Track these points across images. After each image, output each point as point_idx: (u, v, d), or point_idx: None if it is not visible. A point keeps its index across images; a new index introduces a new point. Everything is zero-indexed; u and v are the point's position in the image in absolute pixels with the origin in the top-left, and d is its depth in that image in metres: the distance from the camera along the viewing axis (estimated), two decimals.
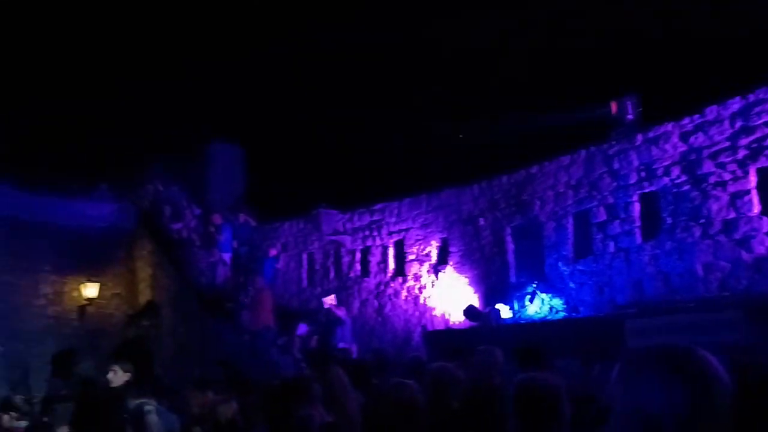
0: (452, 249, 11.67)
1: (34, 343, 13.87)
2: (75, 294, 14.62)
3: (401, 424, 3.20)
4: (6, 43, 16.50)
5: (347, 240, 13.47)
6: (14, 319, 13.65)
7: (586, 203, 9.83)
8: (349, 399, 3.33)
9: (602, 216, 9.57)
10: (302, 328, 12.22)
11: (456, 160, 14.04)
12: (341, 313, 11.93)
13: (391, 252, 12.70)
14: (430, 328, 11.47)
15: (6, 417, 5.71)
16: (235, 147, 17.17)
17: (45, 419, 6.59)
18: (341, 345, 11.32)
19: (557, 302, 9.85)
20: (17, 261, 13.88)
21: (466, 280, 11.28)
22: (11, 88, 16.40)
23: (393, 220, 12.76)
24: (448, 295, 11.44)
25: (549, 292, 9.99)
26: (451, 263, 11.61)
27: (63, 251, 14.55)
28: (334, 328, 11.80)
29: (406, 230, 12.48)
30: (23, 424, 5.93)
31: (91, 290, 14.67)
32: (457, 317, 11.07)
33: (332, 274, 13.67)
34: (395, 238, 12.68)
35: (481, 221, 11.24)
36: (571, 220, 10.04)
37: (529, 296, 10.18)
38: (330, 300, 12.08)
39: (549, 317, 9.76)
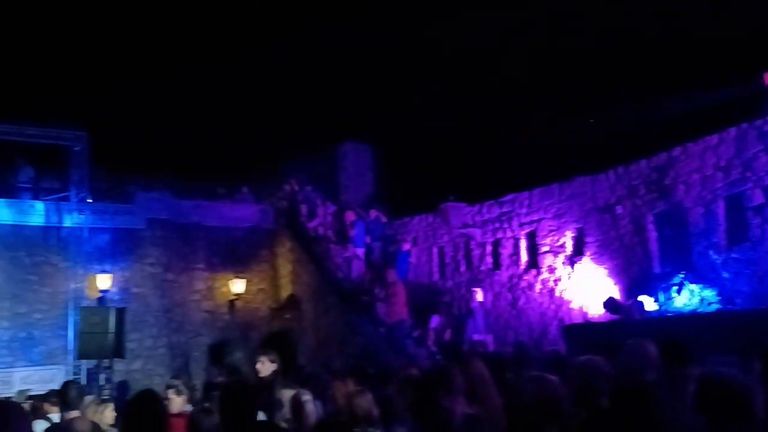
0: (588, 239, 11.21)
1: (193, 334, 15.22)
2: (225, 290, 15.81)
3: (543, 419, 3.15)
4: (153, 67, 18.14)
5: (477, 233, 13.38)
6: (177, 312, 15.07)
7: (739, 185, 9.01)
8: (491, 393, 3.31)
9: (759, 199, 8.73)
10: (435, 321, 12.35)
11: (588, 146, 13.48)
12: (476, 303, 11.92)
13: (523, 244, 12.44)
14: (567, 321, 11.11)
15: (179, 400, 6.28)
16: (364, 146, 17.68)
17: (206, 405, 7.21)
18: (476, 337, 11.30)
19: (709, 293, 9.13)
20: (176, 260, 15.30)
21: (605, 271, 10.78)
22: (164, 107, 18.07)
23: (524, 211, 12.49)
24: (586, 287, 11.00)
25: (698, 283, 9.29)
26: (587, 254, 11.15)
27: (213, 251, 15.81)
28: (466, 321, 11.82)
29: (538, 221, 12.16)
30: (189, 407, 6.50)
31: (238, 286, 15.79)
32: (595, 310, 10.63)
33: (463, 267, 13.65)
34: (527, 229, 12.40)
35: (619, 209, 10.68)
36: (722, 204, 9.25)
37: (676, 287, 9.53)
38: (477, 291, 12.11)
39: (700, 310, 9.08)
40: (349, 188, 17.15)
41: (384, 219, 15.12)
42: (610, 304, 10.02)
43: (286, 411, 4.99)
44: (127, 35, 17.82)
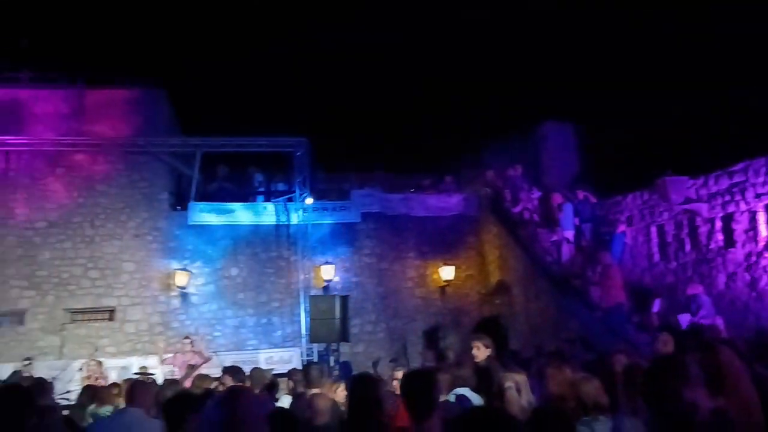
0: None
1: (408, 319, 15.97)
2: (435, 276, 16.32)
3: None
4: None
5: (703, 208, 12.11)
6: (392, 299, 15.93)
7: None
8: (745, 384, 2.99)
9: None
10: (657, 304, 11.50)
11: None
12: (699, 287, 10.87)
13: (761, 217, 10.99)
14: None
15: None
16: (566, 124, 17.00)
17: None
18: (705, 321, 10.30)
19: None
20: (389, 250, 16.17)
21: None
22: (372, 112, 19.27)
23: (760, 180, 11.01)
24: None
25: None
26: None
27: (422, 240, 16.41)
28: (692, 304, 10.81)
29: None
30: None
31: (448, 272, 16.18)
32: None
33: (688, 247, 12.47)
34: (765, 200, 10.93)
35: None
36: None
37: None
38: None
39: None
40: (553, 169, 16.62)
41: (593, 199, 14.39)
42: None
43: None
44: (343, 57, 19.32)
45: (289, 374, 8.08)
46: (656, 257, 13.27)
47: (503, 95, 18.49)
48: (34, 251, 14.36)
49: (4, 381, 11.64)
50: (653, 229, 13.36)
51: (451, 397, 5.35)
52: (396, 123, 19.69)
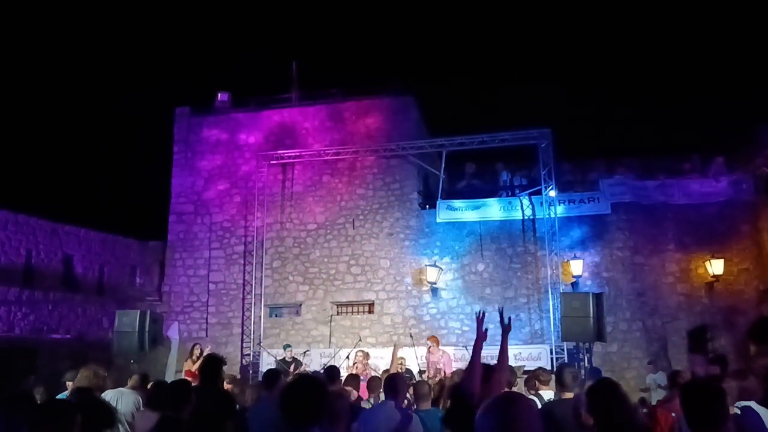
0: None
1: (669, 318, 14.66)
2: (700, 271, 14.69)
3: None
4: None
5: None
6: (650, 295, 14.75)
7: None
8: None
9: None
10: None
11: None
12: None
13: None
14: None
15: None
16: None
17: None
18: None
19: None
20: (644, 243, 14.97)
21: None
22: (617, 96, 17.99)
23: None
24: None
25: None
26: None
27: (683, 230, 14.88)
28: None
29: None
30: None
31: (716, 266, 14.45)
32: None
33: None
34: None
35: None
36: None
37: None
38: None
39: None
40: None
41: None
42: None
43: None
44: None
45: (535, 373, 7.96)
46: None
47: None
48: (308, 250, 16.38)
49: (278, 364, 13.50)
50: None
51: (735, 410, 4.82)
52: (646, 102, 18.15)
